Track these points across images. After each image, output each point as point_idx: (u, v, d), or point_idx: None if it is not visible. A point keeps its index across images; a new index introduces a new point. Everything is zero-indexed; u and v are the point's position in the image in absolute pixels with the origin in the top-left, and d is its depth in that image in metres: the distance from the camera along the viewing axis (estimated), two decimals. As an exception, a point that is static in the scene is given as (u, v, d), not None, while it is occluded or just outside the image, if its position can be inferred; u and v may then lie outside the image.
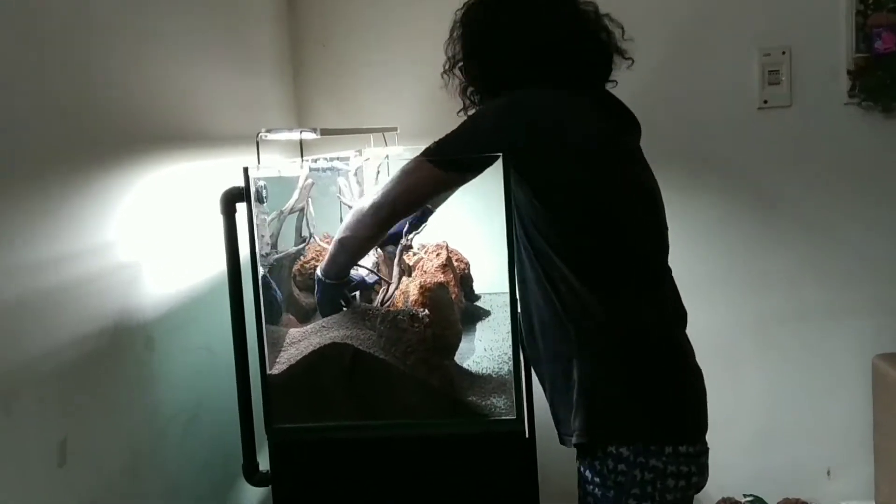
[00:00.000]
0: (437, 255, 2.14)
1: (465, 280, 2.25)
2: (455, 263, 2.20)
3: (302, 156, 1.64)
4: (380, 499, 1.51)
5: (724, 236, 2.70)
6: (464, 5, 1.61)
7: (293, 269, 1.99)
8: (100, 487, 1.32)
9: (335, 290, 1.67)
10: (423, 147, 1.49)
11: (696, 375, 1.55)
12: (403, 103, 2.72)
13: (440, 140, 1.45)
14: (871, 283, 2.69)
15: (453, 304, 1.77)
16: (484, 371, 1.71)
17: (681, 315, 1.58)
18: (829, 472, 2.78)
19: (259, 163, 1.56)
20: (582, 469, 1.50)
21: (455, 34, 1.61)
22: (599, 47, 1.56)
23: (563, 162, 1.42)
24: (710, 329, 2.67)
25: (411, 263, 2.10)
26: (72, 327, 1.26)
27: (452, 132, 1.46)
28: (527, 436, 1.48)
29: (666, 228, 1.57)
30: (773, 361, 2.76)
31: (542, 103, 1.44)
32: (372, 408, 1.53)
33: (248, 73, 2.24)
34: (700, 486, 1.49)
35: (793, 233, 2.70)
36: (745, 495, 2.74)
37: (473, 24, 1.57)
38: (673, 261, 1.63)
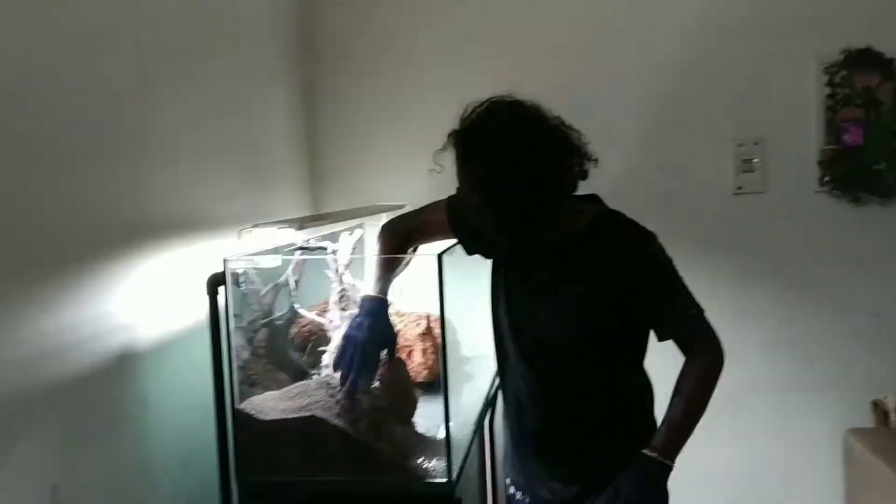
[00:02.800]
0: (417, 324, 2.39)
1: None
2: (437, 331, 2.44)
3: (275, 247, 1.91)
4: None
5: (701, 311, 2.87)
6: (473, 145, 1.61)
7: (292, 334, 2.25)
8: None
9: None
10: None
11: None
12: (415, 181, 2.98)
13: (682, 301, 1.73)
14: (841, 359, 2.84)
15: (408, 377, 2.01)
16: (442, 435, 1.94)
17: None
18: (802, 543, 2.91)
19: (239, 253, 1.84)
20: None
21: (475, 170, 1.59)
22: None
23: None
24: (687, 398, 2.84)
25: (392, 333, 2.34)
26: (71, 390, 1.54)
27: (677, 289, 1.73)
28: (456, 496, 1.70)
29: None
30: (749, 430, 2.91)
31: None
32: (329, 466, 1.78)
33: (262, 160, 2.55)
34: None
35: (767, 309, 2.87)
36: (718, 561, 2.88)
37: (500, 169, 1.55)
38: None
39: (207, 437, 1.92)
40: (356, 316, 1.80)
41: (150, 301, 1.83)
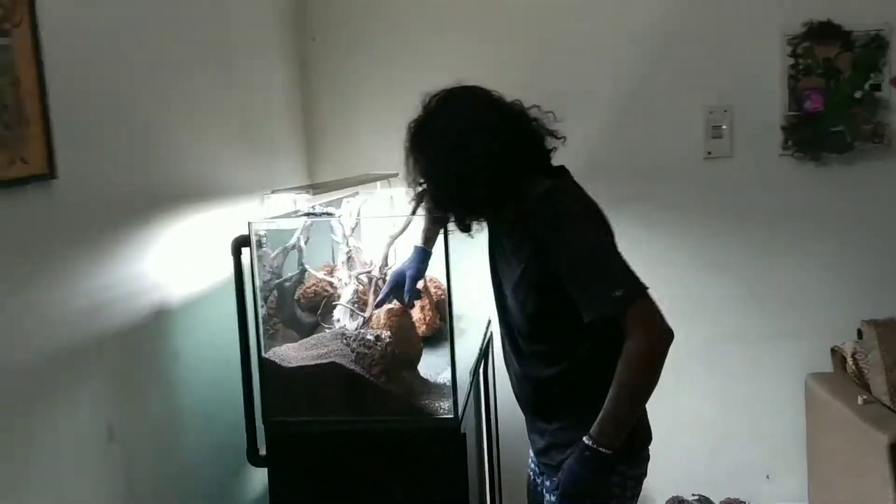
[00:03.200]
0: (416, 283, 2.58)
1: (441, 304, 2.68)
2: (433, 290, 2.64)
3: (295, 210, 2.09)
4: (353, 476, 1.96)
5: (676, 267, 3.10)
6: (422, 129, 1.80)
7: (297, 294, 2.44)
8: (136, 460, 1.78)
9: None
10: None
11: None
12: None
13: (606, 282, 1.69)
14: (804, 310, 3.09)
15: (414, 326, 2.21)
16: (442, 380, 2.15)
17: None
18: (768, 476, 3.17)
19: (263, 217, 2.02)
20: None
21: (421, 158, 1.78)
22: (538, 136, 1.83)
23: None
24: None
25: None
26: (118, 341, 1.73)
27: (599, 271, 1.70)
28: (461, 431, 1.91)
29: None
30: (720, 377, 3.16)
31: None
32: (347, 407, 1.98)
33: (263, 133, 2.73)
34: None
35: (736, 265, 3.10)
36: (692, 494, 3.13)
37: (444, 153, 1.74)
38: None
39: (229, 388, 2.11)
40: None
41: (178, 263, 2.01)
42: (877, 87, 2.98)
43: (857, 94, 2.99)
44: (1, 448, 1.37)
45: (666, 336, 1.69)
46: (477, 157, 1.71)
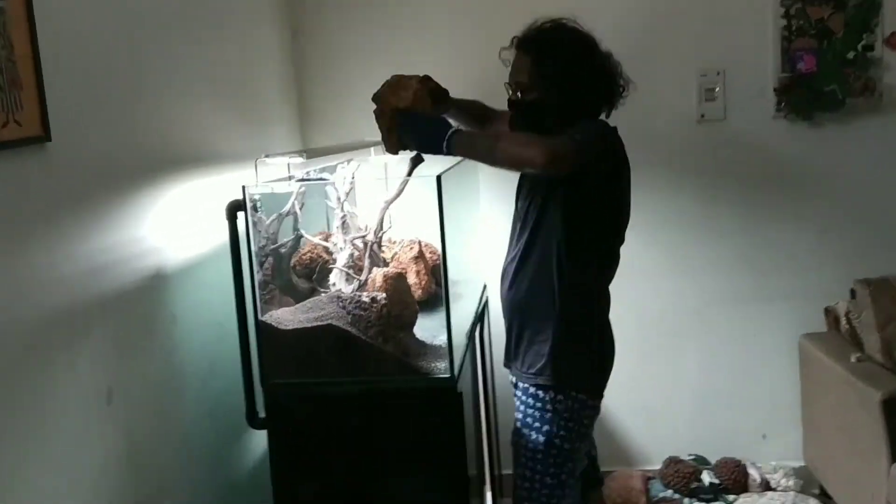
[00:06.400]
0: (411, 248, 2.60)
1: (436, 269, 2.70)
2: (428, 255, 2.65)
3: (289, 175, 2.09)
4: (351, 437, 1.99)
5: (669, 231, 3.12)
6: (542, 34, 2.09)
7: (293, 261, 2.45)
8: (136, 422, 1.80)
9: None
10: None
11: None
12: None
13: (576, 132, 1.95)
14: (797, 271, 3.10)
15: (409, 289, 2.22)
16: (438, 342, 2.17)
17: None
18: (764, 436, 3.20)
19: (257, 182, 2.02)
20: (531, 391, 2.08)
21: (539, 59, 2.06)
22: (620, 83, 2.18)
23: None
24: (657, 310, 3.12)
25: (389, 256, 2.55)
26: (116, 304, 1.74)
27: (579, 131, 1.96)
28: (458, 391, 1.93)
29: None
30: (713, 340, 3.18)
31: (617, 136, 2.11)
32: (343, 369, 2.00)
33: (256, 100, 2.73)
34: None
35: (729, 228, 3.12)
36: (689, 454, 3.16)
37: (562, 62, 2.06)
38: (624, 253, 2.13)
39: (227, 351, 2.13)
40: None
41: (174, 227, 2.02)
42: (869, 48, 2.98)
43: (850, 55, 2.98)
44: (1, 409, 1.38)
45: (552, 153, 1.85)
46: (587, 74, 2.09)
